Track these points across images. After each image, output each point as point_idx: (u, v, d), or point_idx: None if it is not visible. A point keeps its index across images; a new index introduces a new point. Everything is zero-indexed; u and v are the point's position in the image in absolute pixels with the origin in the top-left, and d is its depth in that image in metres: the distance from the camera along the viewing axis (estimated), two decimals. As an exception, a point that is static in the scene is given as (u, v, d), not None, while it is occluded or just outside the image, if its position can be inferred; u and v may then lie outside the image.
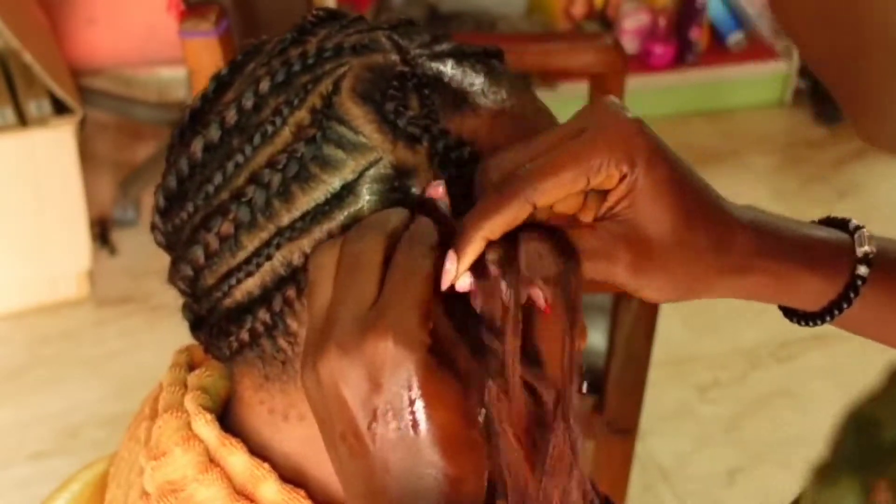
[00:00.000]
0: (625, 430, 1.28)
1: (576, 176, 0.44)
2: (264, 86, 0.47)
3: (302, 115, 0.46)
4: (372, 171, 0.45)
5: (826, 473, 0.29)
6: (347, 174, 0.45)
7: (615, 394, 1.25)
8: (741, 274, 0.48)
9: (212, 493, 0.49)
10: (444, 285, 0.43)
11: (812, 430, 1.67)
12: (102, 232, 2.12)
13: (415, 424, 0.42)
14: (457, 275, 0.43)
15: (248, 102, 0.47)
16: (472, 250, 0.43)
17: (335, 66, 0.47)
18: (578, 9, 2.52)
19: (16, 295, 2.00)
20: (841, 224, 0.53)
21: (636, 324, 1.19)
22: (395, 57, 0.48)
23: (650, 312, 1.20)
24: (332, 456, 0.44)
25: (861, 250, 0.50)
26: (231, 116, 0.47)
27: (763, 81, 2.66)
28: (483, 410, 0.44)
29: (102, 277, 2.06)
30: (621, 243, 0.46)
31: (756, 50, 2.64)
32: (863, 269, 0.50)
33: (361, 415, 0.42)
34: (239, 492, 0.49)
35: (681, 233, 0.46)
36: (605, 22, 2.56)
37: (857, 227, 0.52)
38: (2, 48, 1.88)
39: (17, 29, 1.85)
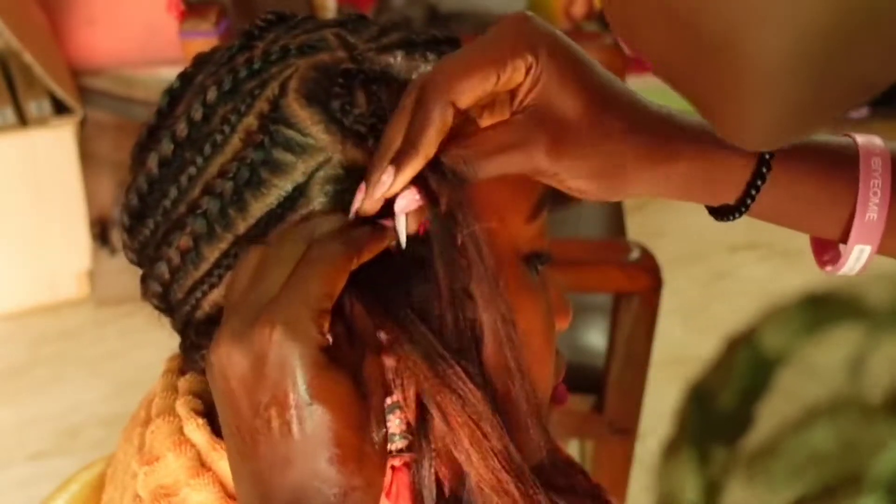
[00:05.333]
0: (625, 430, 1.28)
1: (486, 73, 0.44)
2: (212, 95, 0.47)
3: (250, 121, 0.46)
4: (322, 172, 0.45)
5: (671, 448, 0.29)
6: (298, 176, 0.45)
7: (615, 394, 1.24)
8: (668, 161, 0.47)
9: (203, 497, 0.48)
10: (376, 196, 0.43)
11: (812, 430, 1.67)
12: (102, 232, 2.12)
13: (299, 421, 0.40)
14: (392, 188, 0.43)
15: (197, 114, 0.47)
16: (415, 164, 0.43)
17: (281, 68, 0.47)
18: (578, 9, 2.52)
19: (16, 295, 2.00)
20: None
21: (636, 324, 1.19)
22: (342, 54, 0.48)
23: (650, 312, 1.20)
24: (229, 455, 0.44)
25: None
26: (182, 129, 0.47)
27: (763, 81, 2.66)
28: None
29: (102, 277, 2.06)
30: (537, 129, 0.45)
31: (756, 50, 2.64)
32: None
33: (247, 407, 0.41)
34: (230, 496, 0.48)
35: (593, 112, 0.45)
36: (605, 22, 2.55)
37: None
38: (2, 48, 1.88)
39: (17, 29, 1.85)
